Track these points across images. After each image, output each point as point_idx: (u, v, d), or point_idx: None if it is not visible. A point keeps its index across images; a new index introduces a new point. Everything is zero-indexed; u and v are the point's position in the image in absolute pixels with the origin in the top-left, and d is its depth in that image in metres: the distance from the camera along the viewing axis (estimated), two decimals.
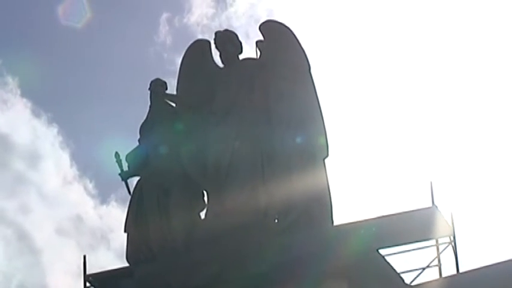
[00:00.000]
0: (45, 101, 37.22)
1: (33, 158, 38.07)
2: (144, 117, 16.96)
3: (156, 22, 38.53)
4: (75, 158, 37.87)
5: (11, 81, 36.24)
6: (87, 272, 15.96)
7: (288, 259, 14.80)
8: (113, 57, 39.43)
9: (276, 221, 15.13)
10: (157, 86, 16.79)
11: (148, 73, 36.93)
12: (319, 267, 14.90)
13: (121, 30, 39.27)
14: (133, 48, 39.19)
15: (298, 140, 15.39)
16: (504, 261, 15.94)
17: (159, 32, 37.43)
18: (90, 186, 37.39)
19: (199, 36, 33.54)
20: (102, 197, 39.04)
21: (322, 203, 15.17)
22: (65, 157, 36.78)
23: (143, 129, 16.44)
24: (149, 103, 16.90)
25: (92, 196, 36.80)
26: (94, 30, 37.74)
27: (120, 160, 15.71)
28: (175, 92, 16.84)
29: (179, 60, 18.99)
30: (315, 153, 15.15)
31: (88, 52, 38.26)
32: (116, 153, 15.76)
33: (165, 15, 37.55)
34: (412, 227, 14.56)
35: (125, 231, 16.35)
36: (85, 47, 37.48)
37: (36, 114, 36.89)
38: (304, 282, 15.05)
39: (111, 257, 32.21)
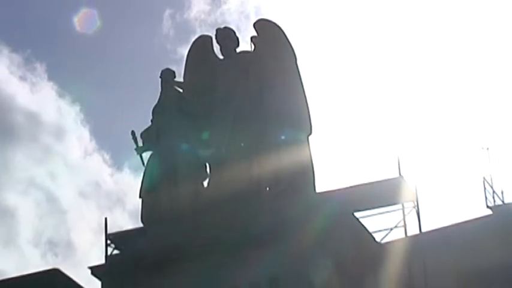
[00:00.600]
0: (68, 84, 41.67)
1: (59, 133, 42.82)
2: (156, 101, 18.52)
3: (160, 17, 43.34)
4: (94, 133, 43.30)
5: (39, 67, 40.97)
6: (108, 232, 18.06)
7: (278, 221, 16.27)
8: (125, 48, 45.37)
9: (268, 189, 16.73)
10: (167, 75, 18.77)
11: (154, 61, 40.49)
12: (304, 227, 16.41)
13: (131, 25, 43.99)
14: (142, 40, 46.04)
15: (287, 121, 17.03)
16: (459, 223, 17.49)
17: (163, 26, 42.16)
18: (107, 157, 43.42)
19: (198, 30, 36.21)
20: (117, 166, 44.73)
21: (306, 174, 17.29)
22: (85, 132, 41.77)
23: (155, 111, 18.41)
24: (160, 88, 18.46)
25: (109, 165, 42.23)
26: (109, 26, 41.66)
27: (136, 137, 17.70)
28: (182, 80, 18.44)
29: (181, 50, 21.32)
30: (298, 132, 17.06)
31: (105, 43, 42.80)
32: (132, 131, 17.82)
33: (168, 12, 41.36)
34: (381, 194, 16.50)
35: (139, 197, 18.45)
36: (102, 39, 42.01)
37: (60, 95, 41.04)
38: (291, 241, 16.75)
39: (126, 217, 35.85)
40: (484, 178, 18.65)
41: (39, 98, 42.77)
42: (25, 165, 43.75)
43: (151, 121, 19.21)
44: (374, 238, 17.60)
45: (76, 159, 43.06)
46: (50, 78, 41.12)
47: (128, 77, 44.20)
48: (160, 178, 18.36)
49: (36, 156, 41.96)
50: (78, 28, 36.10)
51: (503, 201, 18.40)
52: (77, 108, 42.46)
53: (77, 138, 46.16)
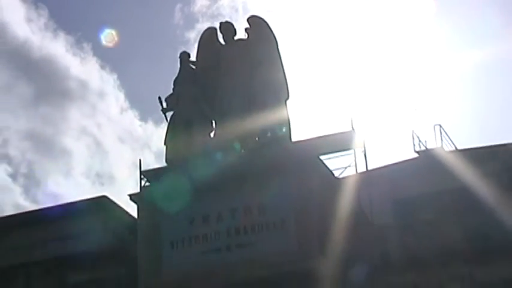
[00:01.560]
0: (108, 58, 51.38)
1: (102, 95, 53.18)
2: (176, 74, 22.27)
3: (172, 10, 52.93)
4: (127, 95, 54.56)
5: (86, 46, 50.16)
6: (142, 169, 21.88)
7: (266, 162, 19.64)
8: (147, 33, 51.37)
9: (257, 139, 20.64)
10: (184, 56, 22.79)
11: (169, 42, 49.21)
12: (284, 167, 19.50)
13: (151, 15, 51.00)
14: (160, 26, 52.53)
15: (270, 89, 20.87)
16: (395, 163, 21.32)
17: (174, 16, 51.12)
18: (137, 113, 55.79)
19: (200, 20, 39.77)
20: (144, 119, 55.78)
21: (284, 130, 20.70)
22: (121, 94, 51.83)
23: (175, 82, 22.12)
24: (179, 65, 22.30)
25: (138, 119, 53.88)
26: (135, 17, 50.32)
27: (161, 101, 21.54)
28: (194, 59, 22.35)
29: (188, 34, 25.51)
30: (279, 97, 20.86)
31: (132, 31, 49.19)
32: (159, 97, 21.69)
33: (178, 6, 50.80)
34: (339, 142, 20.20)
35: (164, 144, 22.40)
36: (131, 28, 48.42)
37: (102, 67, 50.24)
38: (275, 176, 19.60)
39: (152, 158, 42.10)
40: (413, 131, 21.69)
41: (87, 69, 51.22)
42: (78, 118, 51.50)
43: (173, 89, 22.80)
44: (333, 174, 20.82)
45: (114, 114, 51.99)
46: (94, 55, 49.62)
47: (151, 54, 52.70)
48: (179, 130, 22.13)
49: (86, 112, 51.27)
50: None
51: (426, 148, 21.15)
52: (115, 76, 54.32)
53: (114, 99, 53.73)
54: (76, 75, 52.95)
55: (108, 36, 38.27)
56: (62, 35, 52.34)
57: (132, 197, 21.86)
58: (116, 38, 33.15)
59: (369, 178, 20.45)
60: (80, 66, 52.94)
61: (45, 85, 52.81)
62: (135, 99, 62.17)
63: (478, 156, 20.82)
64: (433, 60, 47.94)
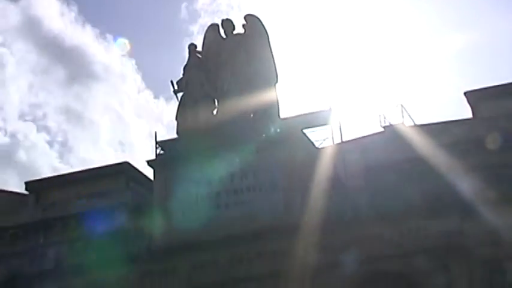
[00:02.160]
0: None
1: (122, 77, 59.76)
2: (185, 62, 23.96)
3: (179, 7, 61.26)
4: (144, 78, 61.75)
5: (109, 37, 54.92)
6: (157, 140, 23.86)
7: (259, 135, 22.09)
8: (159, 26, 57.32)
9: (251, 115, 22.39)
10: (192, 46, 24.51)
11: (177, 34, 55.56)
12: (274, 139, 21.73)
13: (162, 11, 57.62)
14: (169, 21, 57.59)
15: (262, 75, 22.75)
16: (365, 136, 22.57)
17: (181, 12, 58.13)
18: (152, 93, 63.35)
19: (203, 16, 42.72)
20: (158, 98, 58.93)
21: (274, 106, 22.60)
22: (138, 77, 59.22)
23: (185, 69, 23.84)
24: (188, 55, 24.00)
25: (153, 98, 58.19)
26: (147, 13, 55.89)
27: (173, 84, 23.28)
28: (200, 49, 24.11)
29: (192, 28, 28.33)
30: (270, 82, 22.73)
31: (146, 25, 57.04)
32: (171, 80, 23.45)
33: (184, 4, 60.29)
34: (319, 119, 22.08)
35: (175, 119, 24.00)
36: (145, 23, 56.12)
37: (123, 54, 53.25)
38: (266, 146, 21.94)
39: (164, 130, 46.34)
40: (381, 113, 22.77)
41: (110, 56, 58.44)
42: (103, 96, 58.48)
43: (182, 74, 24.16)
44: (314, 145, 22.58)
45: (133, 93, 57.83)
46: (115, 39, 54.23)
47: (162, 43, 57.41)
48: (188, 108, 23.68)
49: (109, 91, 58.73)
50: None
51: (390, 124, 22.35)
52: (133, 62, 60.87)
53: (133, 80, 59.87)
54: (101, 61, 59.44)
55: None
56: (89, 27, 59.07)
57: (149, 162, 23.67)
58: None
59: (344, 148, 22.09)
60: (104, 53, 59.29)
61: (76, 69, 57.95)
62: (150, 81, 70.52)
63: (433, 130, 22.10)
64: (416, 43, 48.81)
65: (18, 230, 25.13)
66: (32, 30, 57.50)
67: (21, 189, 27.56)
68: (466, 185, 21.06)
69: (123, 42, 41.86)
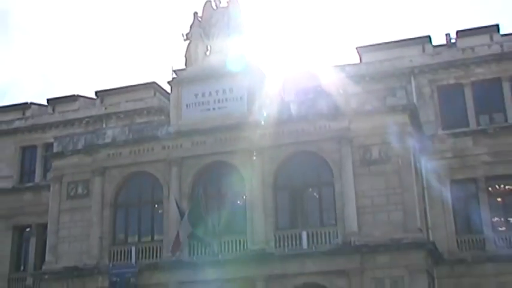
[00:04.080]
0: None
1: None
2: (190, 26, 27.32)
3: None
4: None
5: None
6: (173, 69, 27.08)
7: (237, 72, 25.59)
8: None
9: (229, 55, 25.59)
10: (195, 14, 27.67)
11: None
12: (245, 70, 25.77)
13: None
14: None
15: (237, 29, 27.01)
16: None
17: None
18: None
19: None
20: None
21: (247, 54, 26.56)
22: None
23: (190, 27, 27.62)
24: (192, 20, 27.50)
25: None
26: None
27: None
28: (200, 18, 27.55)
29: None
30: (242, 32, 26.67)
31: None
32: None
33: None
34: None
35: (184, 57, 27.29)
36: None
37: None
38: (240, 73, 25.49)
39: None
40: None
41: None
42: None
43: (189, 30, 27.80)
44: (265, 75, 26.37)
45: None
46: None
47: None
48: (191, 49, 27.62)
49: None
50: None
51: None
52: None
53: None
54: None
55: None
56: None
57: (168, 82, 27.75)
58: None
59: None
60: None
61: None
62: None
63: (338, 69, 27.66)
64: None
65: None
66: None
67: None
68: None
69: None
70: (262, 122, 25.16)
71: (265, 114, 25.39)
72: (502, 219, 26.39)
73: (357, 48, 29.34)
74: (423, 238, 23.31)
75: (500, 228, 26.00)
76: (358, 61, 29.39)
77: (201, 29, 28.02)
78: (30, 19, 72.87)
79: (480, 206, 25.98)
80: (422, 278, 22.66)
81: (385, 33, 70.41)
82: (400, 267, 22.48)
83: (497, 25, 28.46)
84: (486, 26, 28.67)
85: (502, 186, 26.69)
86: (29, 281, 30.45)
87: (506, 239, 25.48)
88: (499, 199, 26.53)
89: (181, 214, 24.94)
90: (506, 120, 26.89)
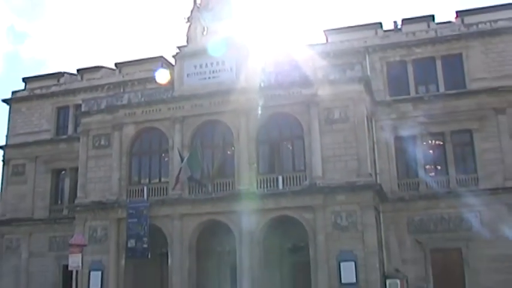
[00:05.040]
0: None
1: None
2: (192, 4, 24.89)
3: None
4: None
5: None
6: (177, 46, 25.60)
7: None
8: None
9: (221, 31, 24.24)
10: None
11: None
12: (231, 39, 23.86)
13: None
14: None
15: (228, 5, 25.05)
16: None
17: None
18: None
19: None
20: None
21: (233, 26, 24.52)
22: None
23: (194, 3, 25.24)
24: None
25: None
26: None
27: None
28: None
29: None
30: (231, 12, 24.69)
31: None
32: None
33: None
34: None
35: (186, 35, 25.65)
36: None
37: None
38: (228, 43, 23.79)
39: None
40: None
41: None
42: None
43: (193, 5, 25.51)
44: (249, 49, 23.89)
45: None
46: None
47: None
48: (192, 27, 25.57)
49: None
50: None
51: None
52: None
53: None
54: None
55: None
56: None
57: (173, 56, 26.28)
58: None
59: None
60: None
61: None
62: None
63: (306, 47, 26.09)
64: None
65: None
66: None
67: None
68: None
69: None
70: (248, 89, 24.24)
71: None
72: (432, 166, 25.92)
73: (324, 31, 28.68)
74: (372, 181, 22.82)
75: (430, 174, 25.65)
76: (325, 41, 28.60)
77: (199, 13, 26.44)
78: (63, 5, 70.43)
79: (416, 157, 25.44)
80: (370, 212, 22.20)
81: (347, 19, 72.61)
82: (354, 204, 22.03)
83: (433, 15, 27.83)
84: (424, 15, 27.69)
85: (433, 141, 26.06)
86: (65, 211, 30.41)
87: (435, 182, 25.29)
88: (430, 151, 25.93)
89: (182, 159, 24.49)
90: (438, 90, 26.09)
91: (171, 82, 26.18)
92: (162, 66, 29.57)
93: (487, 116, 24.15)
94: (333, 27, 28.14)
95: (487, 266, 22.25)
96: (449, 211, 23.40)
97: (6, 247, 29.32)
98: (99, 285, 23.87)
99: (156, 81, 28.21)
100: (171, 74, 26.43)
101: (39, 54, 74.33)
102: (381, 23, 28.02)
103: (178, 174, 23.51)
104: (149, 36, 68.56)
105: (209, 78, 25.09)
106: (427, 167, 25.20)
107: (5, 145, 31.78)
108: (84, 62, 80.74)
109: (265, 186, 23.18)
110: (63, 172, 31.11)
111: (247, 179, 23.35)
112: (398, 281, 21.03)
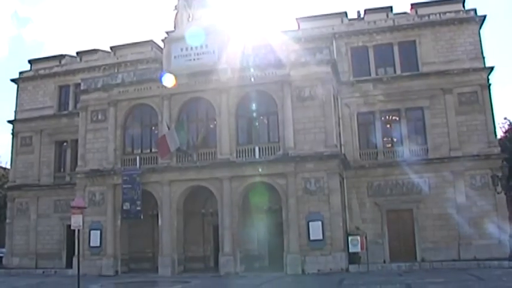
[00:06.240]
0: None
1: None
2: None
3: None
4: None
5: None
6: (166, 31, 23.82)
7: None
8: None
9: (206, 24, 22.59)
10: None
11: None
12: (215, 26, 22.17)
13: None
14: None
15: None
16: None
17: None
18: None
19: None
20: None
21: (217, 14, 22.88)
22: None
23: None
24: None
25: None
26: None
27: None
28: None
29: None
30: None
31: None
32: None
33: None
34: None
35: (174, 21, 23.67)
36: None
37: None
38: (213, 32, 22.13)
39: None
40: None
41: None
42: None
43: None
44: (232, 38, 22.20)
45: None
46: None
47: None
48: (178, 14, 23.56)
49: None
50: None
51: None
52: None
53: None
54: None
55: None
56: None
57: (162, 40, 24.05)
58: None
59: None
60: None
61: None
62: None
63: (282, 33, 24.26)
64: None
65: None
66: None
67: None
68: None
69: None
70: (228, 70, 22.59)
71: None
72: (389, 139, 25.12)
73: (296, 18, 27.24)
74: (337, 151, 21.93)
75: (387, 145, 24.90)
76: (297, 28, 27.09)
77: (185, 1, 24.69)
78: None
79: (375, 130, 24.68)
80: (335, 178, 21.43)
81: (317, 8, 71.78)
82: (321, 171, 21.23)
83: (391, 6, 26.65)
84: (384, 7, 26.35)
85: (390, 117, 25.13)
86: (67, 178, 29.23)
87: (391, 152, 24.62)
88: (388, 125, 25.06)
89: (169, 129, 23.11)
90: (395, 72, 25.12)
91: (160, 63, 24.97)
92: (152, 49, 28.37)
93: (436, 96, 23.63)
94: (305, 16, 26.97)
95: (433, 224, 22.25)
96: (403, 177, 23.08)
97: (17, 209, 28.61)
98: (98, 243, 23.20)
99: (146, 62, 27.59)
100: (160, 56, 25.43)
101: (40, 37, 71.50)
102: (346, 12, 26.80)
103: (166, 142, 22.58)
104: (141, 22, 66.05)
105: (194, 60, 23.39)
106: (385, 139, 24.38)
107: (14, 120, 30.31)
108: (80, 43, 78.06)
109: (243, 155, 22.09)
110: (65, 143, 29.71)
111: (227, 149, 22.29)
112: (358, 238, 20.85)
